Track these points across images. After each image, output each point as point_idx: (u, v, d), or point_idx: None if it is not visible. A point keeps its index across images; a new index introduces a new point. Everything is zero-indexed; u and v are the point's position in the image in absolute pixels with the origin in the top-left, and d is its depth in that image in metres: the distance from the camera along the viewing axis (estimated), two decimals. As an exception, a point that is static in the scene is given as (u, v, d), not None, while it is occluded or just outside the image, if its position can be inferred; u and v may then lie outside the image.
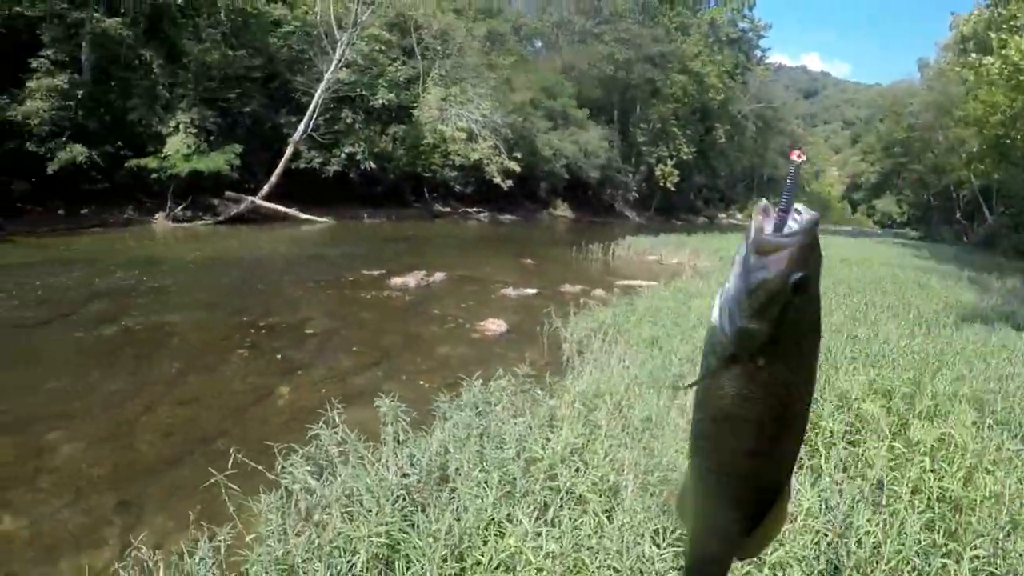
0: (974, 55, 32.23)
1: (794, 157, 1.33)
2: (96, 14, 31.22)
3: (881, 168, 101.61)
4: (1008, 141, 38.14)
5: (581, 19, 73.19)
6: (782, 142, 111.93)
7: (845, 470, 5.84)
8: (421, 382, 9.55)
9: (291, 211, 36.17)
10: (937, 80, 69.32)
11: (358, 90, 40.96)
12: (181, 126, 32.81)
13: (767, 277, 1.19)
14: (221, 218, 33.77)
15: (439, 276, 19.46)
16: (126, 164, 31.37)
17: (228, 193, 34.78)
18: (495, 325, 13.65)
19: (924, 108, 72.84)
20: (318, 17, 39.43)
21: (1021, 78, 26.57)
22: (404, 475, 5.19)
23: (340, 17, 39.62)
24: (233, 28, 36.29)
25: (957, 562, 4.33)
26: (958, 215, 72.29)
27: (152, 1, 33.37)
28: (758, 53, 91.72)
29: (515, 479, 5.04)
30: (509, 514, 4.66)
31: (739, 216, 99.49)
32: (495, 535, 4.45)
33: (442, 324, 14.09)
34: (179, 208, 32.61)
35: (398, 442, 5.73)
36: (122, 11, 32.89)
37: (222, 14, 35.56)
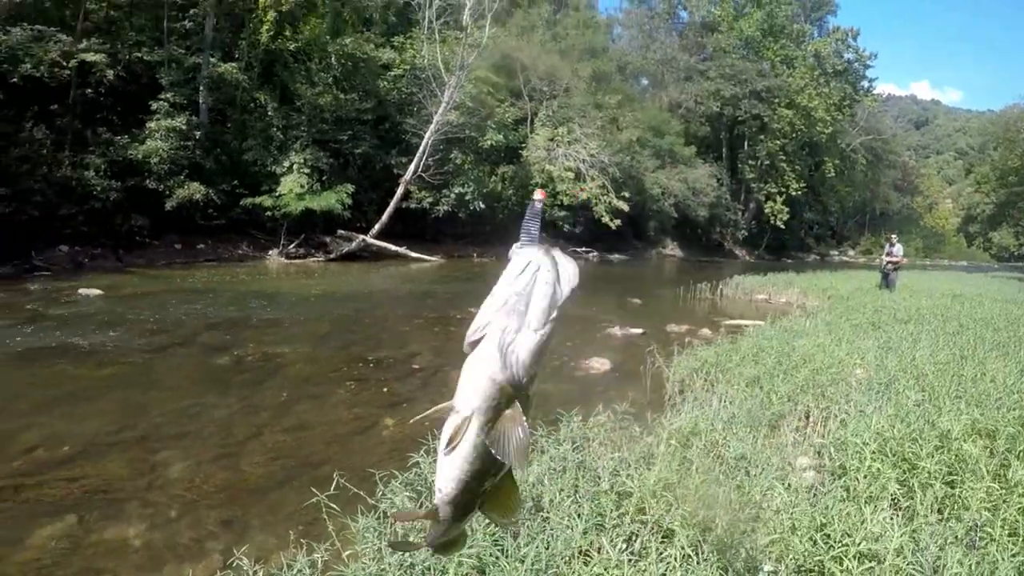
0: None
1: (536, 197, 1.08)
2: (212, 59, 32.21)
3: (996, 199, 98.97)
4: None
5: (685, 56, 73.02)
6: (894, 175, 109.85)
7: (940, 511, 5.62)
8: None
9: (401, 249, 36.39)
10: (1053, 103, 67.25)
11: (467, 131, 41.11)
12: (295, 166, 33.44)
13: None
14: (333, 255, 34.16)
15: None
16: (241, 202, 32.14)
17: (340, 231, 35.18)
18: (599, 363, 13.47)
19: (1039, 133, 70.69)
20: (426, 61, 39.78)
21: None
22: None
23: (447, 60, 39.93)
24: (344, 72, 36.98)
25: None
26: (1079, 246, 69.76)
27: (265, 47, 34.25)
28: (865, 84, 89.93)
29: (605, 511, 5.02)
30: (593, 542, 4.69)
31: (851, 253, 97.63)
32: (582, 563, 4.44)
33: (546, 362, 13.83)
34: (292, 245, 33.18)
35: None
36: (237, 56, 33.87)
37: (333, 59, 36.28)
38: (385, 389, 10.97)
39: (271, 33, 33.86)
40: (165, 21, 31.81)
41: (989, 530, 4.97)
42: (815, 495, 5.81)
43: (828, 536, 4.83)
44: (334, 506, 4.78)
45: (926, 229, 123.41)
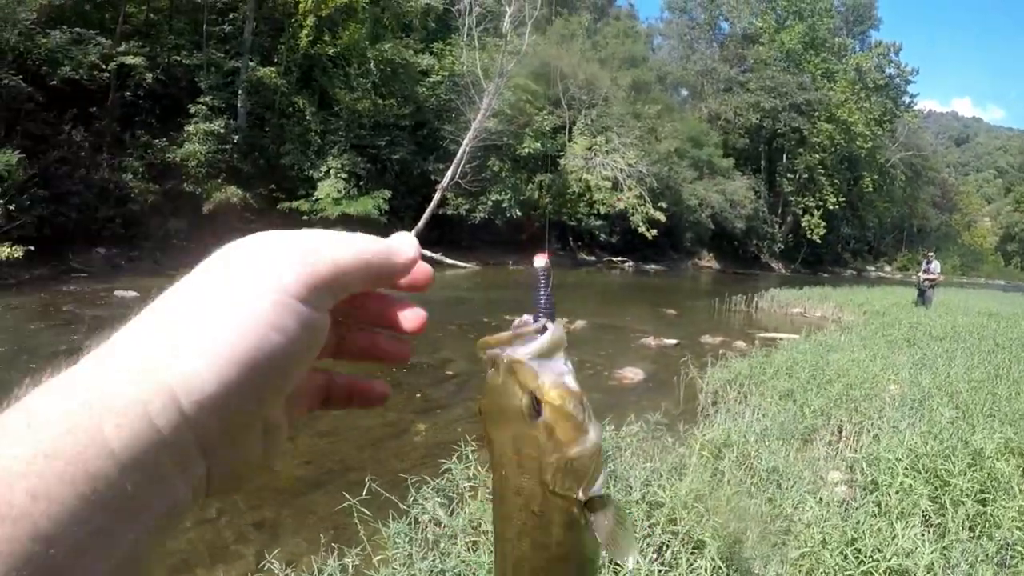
0: None
1: (537, 264, 0.63)
2: (251, 63, 32.24)
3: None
4: None
5: (726, 67, 72.74)
6: (932, 192, 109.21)
7: (971, 529, 5.64)
8: None
9: (437, 256, 36.25)
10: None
11: (505, 139, 41.05)
12: (332, 171, 33.47)
13: None
14: (368, 261, 33.96)
15: (580, 324, 19.24)
16: (278, 206, 32.23)
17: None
18: (632, 373, 13.47)
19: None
20: (465, 67, 39.79)
21: None
22: None
23: (486, 67, 39.88)
24: (383, 78, 36.94)
25: None
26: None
27: (304, 52, 34.24)
28: (906, 99, 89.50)
29: (636, 521, 5.04)
30: None
31: (888, 269, 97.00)
32: (612, 572, 4.36)
33: (580, 370, 13.25)
34: (328, 251, 32.86)
35: None
36: (275, 61, 33.89)
37: (372, 64, 36.22)
38: (418, 395, 11.06)
39: (310, 38, 33.88)
40: (204, 25, 31.91)
41: (1021, 548, 4.97)
42: (846, 509, 5.83)
43: (859, 551, 4.85)
44: (366, 511, 4.80)
45: (964, 247, 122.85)
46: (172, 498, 0.53)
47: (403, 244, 0.64)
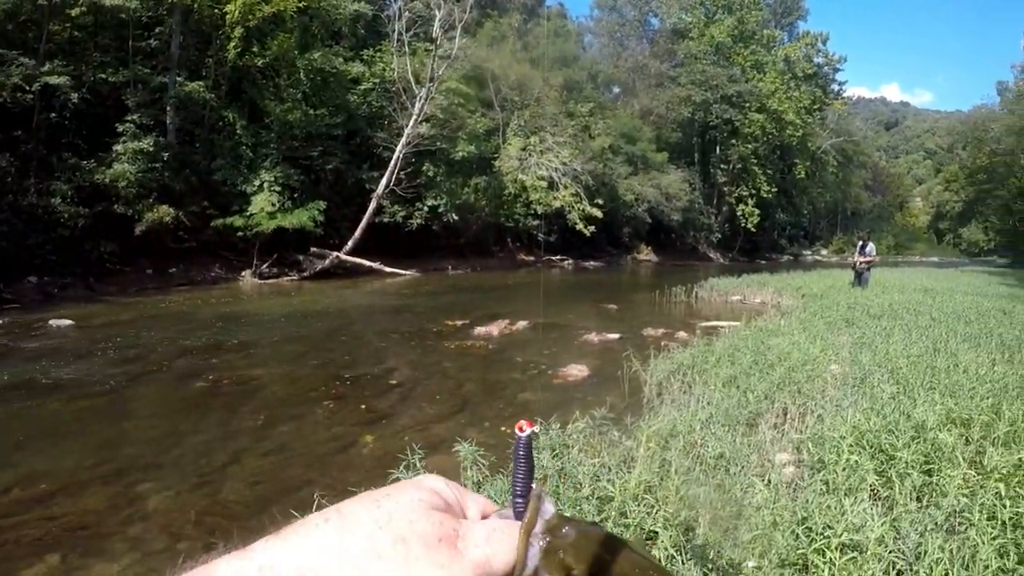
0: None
1: (520, 431, 0.85)
2: (179, 78, 31.91)
3: (965, 196, 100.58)
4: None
5: (656, 63, 73.24)
6: (864, 176, 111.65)
7: (919, 499, 5.84)
8: (503, 428, 9.50)
9: (375, 265, 36.23)
10: (1017, 103, 68.33)
11: (438, 143, 40.95)
12: (265, 184, 33.17)
13: None
14: (307, 273, 33.96)
15: (522, 324, 19.26)
16: (212, 223, 31.79)
17: (313, 249, 34.91)
18: (577, 370, 13.52)
19: (1005, 132, 72.04)
20: (396, 73, 39.72)
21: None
22: None
23: (417, 72, 39.87)
24: (313, 87, 36.76)
25: None
26: (1047, 240, 71.01)
27: (233, 64, 33.96)
28: (835, 87, 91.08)
29: (586, 517, 4.91)
30: None
31: (824, 252, 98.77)
32: None
33: (524, 371, 14.04)
34: (265, 265, 32.90)
35: (478, 485, 5.86)
36: (204, 74, 33.58)
37: (301, 74, 36.03)
38: (363, 406, 11.01)
39: (238, 49, 33.52)
40: (130, 40, 31.43)
41: (968, 515, 5.13)
42: (795, 490, 6.05)
43: (810, 529, 4.96)
44: None
45: (897, 227, 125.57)
46: None
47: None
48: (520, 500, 0.79)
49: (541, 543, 0.72)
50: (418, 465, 5.91)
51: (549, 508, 0.75)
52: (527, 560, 0.70)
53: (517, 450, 0.83)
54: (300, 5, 34.90)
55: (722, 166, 75.44)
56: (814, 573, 4.61)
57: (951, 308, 19.47)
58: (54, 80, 26.98)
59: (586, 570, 0.69)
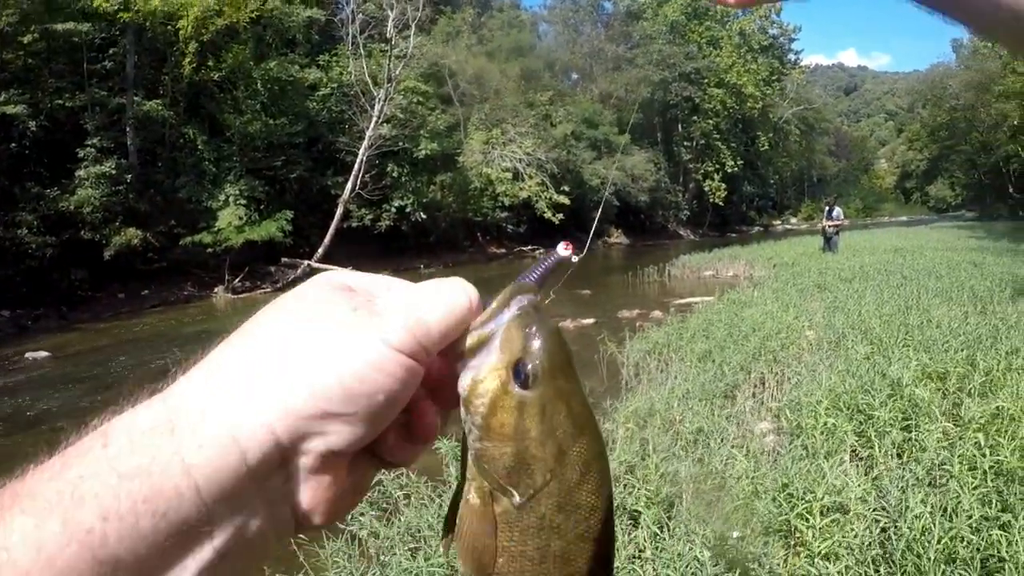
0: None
1: (562, 250, 0.86)
2: (136, 98, 31.82)
3: (929, 154, 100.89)
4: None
5: (612, 46, 73.34)
6: (827, 142, 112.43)
7: (900, 456, 5.95)
8: None
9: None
10: (972, 58, 69.25)
11: (401, 143, 40.94)
12: (231, 199, 33.11)
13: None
14: (279, 284, 33.62)
15: None
16: (181, 242, 31.75)
17: (284, 259, 34.87)
18: None
19: (963, 88, 72.79)
20: (353, 77, 39.73)
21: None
22: None
23: (375, 74, 39.90)
24: (271, 97, 36.71)
25: (1006, 531, 4.37)
26: (1011, 190, 71.77)
27: (189, 80, 33.86)
28: (792, 57, 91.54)
29: None
30: None
31: (793, 221, 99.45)
32: None
33: None
34: (237, 279, 32.79)
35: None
36: (161, 92, 33.49)
37: (259, 85, 35.98)
38: None
39: (194, 65, 33.36)
40: (84, 64, 31.18)
41: (948, 467, 5.28)
42: (777, 457, 6.16)
43: (791, 495, 5.07)
44: (302, 536, 4.70)
45: (864, 189, 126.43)
46: (251, 529, 0.57)
47: (465, 293, 0.68)
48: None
49: (519, 307, 0.71)
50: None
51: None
52: (498, 316, 0.71)
53: (545, 259, 0.84)
54: (253, 15, 34.79)
55: (686, 144, 75.62)
56: (798, 537, 4.76)
57: (922, 265, 19.93)
58: (11, 110, 26.89)
59: (543, 371, 0.68)
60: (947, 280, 16.02)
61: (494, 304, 0.70)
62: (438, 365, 0.68)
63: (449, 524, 0.74)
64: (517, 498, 0.68)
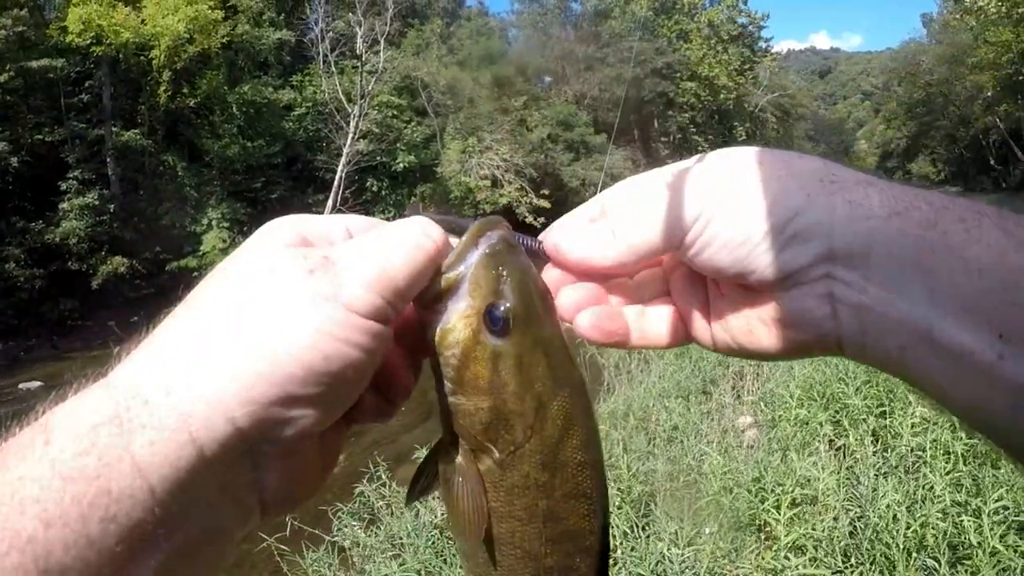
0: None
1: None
2: (115, 129, 32.19)
3: (908, 132, 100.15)
4: (1022, 78, 37.71)
5: (583, 47, 73.45)
6: (805, 127, 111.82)
7: (875, 442, 5.99)
8: None
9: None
10: (944, 32, 69.20)
11: (379, 158, 41.36)
12: (214, 222, 33.52)
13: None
14: (268, 304, 33.92)
15: None
16: (167, 267, 32.29)
17: (270, 279, 34.90)
18: None
19: (937, 63, 72.65)
20: (327, 95, 40.02)
21: (1022, 10, 26.23)
22: (436, 516, 5.63)
23: (348, 91, 40.20)
24: (247, 120, 37.13)
25: (978, 516, 4.36)
26: (992, 162, 71.75)
27: (165, 108, 34.25)
28: (762, 44, 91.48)
29: None
30: None
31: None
32: None
33: None
34: (225, 302, 32.81)
35: None
36: (139, 122, 33.85)
37: (234, 108, 36.32)
38: None
39: (169, 93, 33.69)
40: (62, 98, 31.67)
41: (920, 453, 5.34)
42: (755, 450, 6.27)
43: (763, 489, 5.20)
44: (285, 548, 5.09)
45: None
46: (213, 525, 0.55)
47: (429, 236, 0.66)
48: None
49: (487, 247, 0.69)
50: (383, 477, 6.21)
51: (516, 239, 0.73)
52: (466, 256, 0.69)
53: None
54: (224, 41, 35.21)
55: (663, 139, 75.58)
56: (767, 531, 4.93)
57: None
58: (-8, 148, 27.28)
59: (518, 316, 0.67)
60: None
61: (462, 242, 0.70)
62: (407, 312, 0.69)
63: (413, 486, 0.80)
64: (497, 455, 0.69)
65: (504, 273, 0.67)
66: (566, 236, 0.72)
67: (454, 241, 0.71)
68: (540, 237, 0.79)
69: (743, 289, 0.67)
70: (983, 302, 0.48)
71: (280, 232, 0.67)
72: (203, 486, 0.52)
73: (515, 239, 0.73)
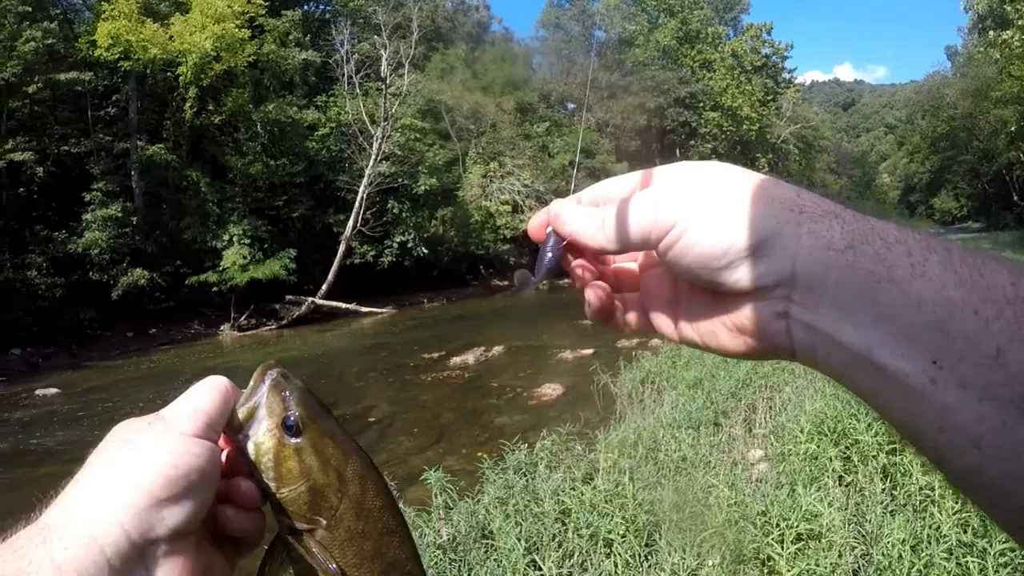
0: (993, 32, 31.92)
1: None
2: (140, 143, 32.53)
3: (931, 166, 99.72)
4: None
5: (606, 74, 73.71)
6: (827, 159, 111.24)
7: (886, 478, 5.95)
8: (479, 453, 9.68)
9: (351, 306, 36.40)
10: (968, 65, 68.88)
11: (400, 180, 41.50)
12: (234, 238, 33.80)
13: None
14: (284, 322, 34.37)
15: (497, 350, 19.69)
16: (187, 281, 32.55)
17: (288, 297, 35.34)
18: (551, 389, 13.97)
19: (960, 96, 72.07)
20: (350, 116, 40.31)
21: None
22: (440, 536, 5.77)
23: (372, 113, 40.49)
24: (271, 138, 37.54)
25: (983, 558, 4.36)
26: (1016, 198, 71.24)
27: (191, 124, 34.59)
28: (786, 75, 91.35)
29: (543, 530, 5.40)
30: (534, 560, 5.06)
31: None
32: None
33: (500, 396, 14.53)
34: (243, 317, 33.41)
35: (449, 508, 6.30)
36: (164, 136, 34.18)
37: (259, 127, 36.82)
38: None
39: (194, 109, 34.06)
40: (89, 110, 32.18)
41: (929, 492, 5.31)
42: (763, 484, 6.17)
43: (768, 522, 5.17)
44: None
45: (867, 205, 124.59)
46: None
47: (220, 380, 0.86)
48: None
49: (271, 379, 0.89)
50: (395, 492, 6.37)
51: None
52: (257, 390, 0.88)
53: (545, 248, 0.88)
54: (250, 60, 35.60)
55: (685, 169, 75.85)
56: (769, 565, 4.86)
57: None
58: (19, 156, 27.83)
59: (305, 419, 0.87)
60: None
61: (252, 382, 0.90)
62: (229, 447, 0.89)
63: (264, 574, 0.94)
64: (324, 522, 0.88)
65: (287, 393, 0.88)
66: (567, 210, 0.85)
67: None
68: (551, 205, 0.90)
69: (712, 294, 0.74)
70: (921, 332, 0.54)
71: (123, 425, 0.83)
72: None
73: (288, 372, 0.91)
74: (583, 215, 0.83)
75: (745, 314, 0.71)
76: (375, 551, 0.90)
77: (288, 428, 0.87)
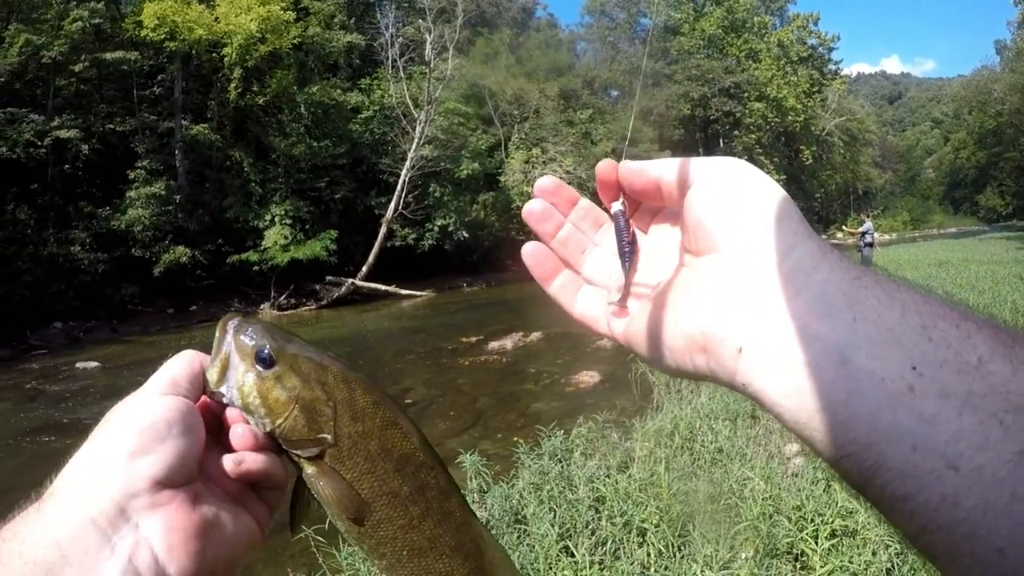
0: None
1: (614, 207, 0.86)
2: (184, 122, 32.75)
3: (977, 162, 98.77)
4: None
5: (651, 62, 73.29)
6: (872, 153, 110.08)
7: None
8: (515, 438, 9.34)
9: (391, 288, 36.43)
10: (1017, 60, 67.81)
11: (442, 164, 41.43)
12: (276, 219, 33.98)
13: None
14: (324, 302, 34.35)
15: (535, 335, 19.45)
16: (228, 260, 32.80)
17: (328, 277, 35.32)
18: (588, 376, 13.80)
19: (1009, 92, 71.06)
20: (394, 99, 40.39)
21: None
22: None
23: (415, 96, 40.50)
24: (315, 120, 37.62)
25: None
26: (1063, 198, 70.23)
27: (235, 104, 34.77)
28: (832, 67, 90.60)
29: (577, 517, 5.36)
30: (567, 547, 5.00)
31: (839, 235, 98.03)
32: (554, 568, 4.77)
33: (537, 382, 14.40)
34: (283, 296, 33.50)
35: (484, 492, 6.24)
36: (208, 116, 34.38)
37: (302, 108, 36.87)
38: None
39: (239, 90, 34.33)
40: (134, 90, 32.39)
41: None
42: (794, 478, 6.06)
43: (803, 518, 5.08)
44: (322, 539, 5.07)
45: (911, 201, 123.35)
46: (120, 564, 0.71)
47: (189, 351, 0.89)
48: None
49: (232, 326, 0.91)
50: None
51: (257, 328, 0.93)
52: (223, 341, 0.90)
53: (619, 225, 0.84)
54: (295, 42, 35.70)
55: (728, 159, 75.46)
56: (802, 560, 4.81)
57: (964, 279, 19.48)
58: (64, 134, 28.03)
59: (275, 349, 0.88)
60: (989, 295, 15.81)
61: (216, 336, 0.92)
62: (213, 407, 0.90)
63: (293, 515, 0.95)
64: (329, 438, 0.88)
65: (250, 331, 0.89)
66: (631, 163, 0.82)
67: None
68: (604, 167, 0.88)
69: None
70: (903, 336, 0.53)
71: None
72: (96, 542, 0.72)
73: (246, 316, 0.93)
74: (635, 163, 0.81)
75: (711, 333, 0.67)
76: (382, 449, 0.90)
77: (262, 360, 0.88)
